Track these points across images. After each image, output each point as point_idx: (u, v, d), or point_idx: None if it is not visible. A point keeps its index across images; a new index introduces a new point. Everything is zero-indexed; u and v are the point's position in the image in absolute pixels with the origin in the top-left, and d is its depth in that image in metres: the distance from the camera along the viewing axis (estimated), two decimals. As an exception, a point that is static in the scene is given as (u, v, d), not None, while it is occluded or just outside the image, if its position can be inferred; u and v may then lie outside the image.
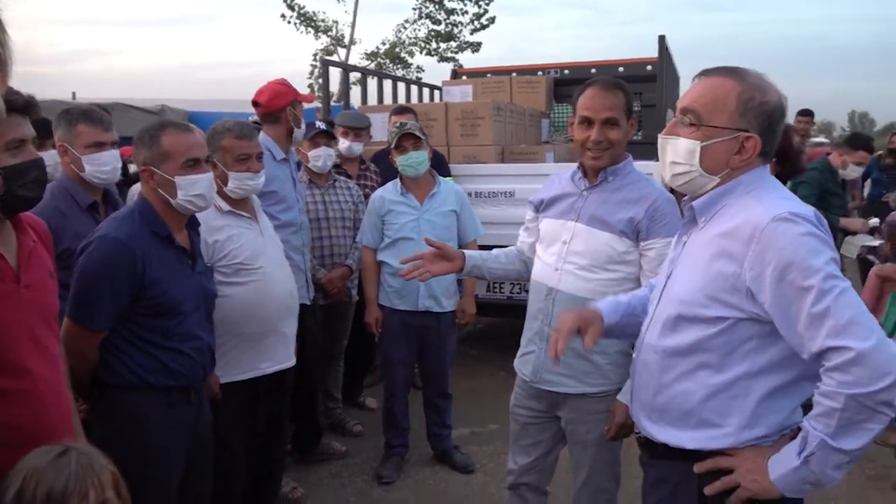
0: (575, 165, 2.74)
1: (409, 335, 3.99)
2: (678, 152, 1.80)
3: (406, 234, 3.88)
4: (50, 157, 2.86)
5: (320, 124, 4.39)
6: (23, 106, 1.85)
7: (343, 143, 4.76)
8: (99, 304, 2.32)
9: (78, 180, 2.87)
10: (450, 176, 5.02)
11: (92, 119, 2.89)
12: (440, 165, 4.90)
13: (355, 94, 8.85)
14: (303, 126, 3.90)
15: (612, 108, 2.53)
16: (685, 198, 1.90)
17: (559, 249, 2.64)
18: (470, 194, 5.37)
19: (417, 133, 3.91)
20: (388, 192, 4.00)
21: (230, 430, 2.99)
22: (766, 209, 1.65)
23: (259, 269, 3.04)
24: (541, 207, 2.80)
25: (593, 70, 7.42)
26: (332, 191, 4.41)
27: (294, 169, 3.91)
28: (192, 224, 2.64)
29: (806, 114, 8.33)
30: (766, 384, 1.68)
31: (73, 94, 11.53)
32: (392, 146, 3.93)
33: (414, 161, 3.88)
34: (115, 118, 6.96)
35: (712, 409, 1.73)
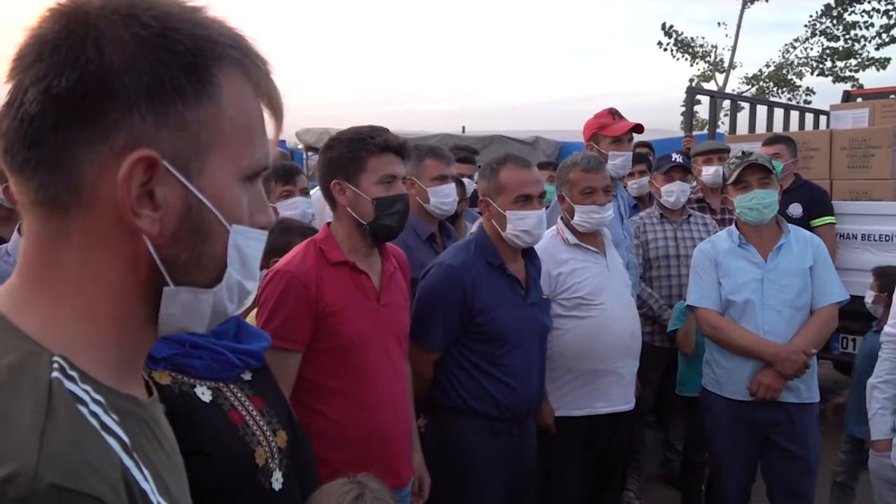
0: None
1: (745, 432, 3.05)
2: None
3: (747, 296, 3.02)
4: None
5: (676, 157, 4.15)
6: (397, 147, 2.12)
7: (707, 171, 4.39)
8: (433, 325, 2.49)
9: (419, 213, 3.07)
10: (831, 215, 4.37)
11: (437, 154, 3.15)
12: (820, 202, 4.31)
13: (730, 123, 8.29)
14: (613, 161, 3.57)
15: None
16: None
17: None
18: (855, 236, 4.67)
19: (767, 165, 3.09)
20: (722, 241, 3.19)
21: (560, 467, 2.96)
22: None
23: (600, 304, 2.95)
24: None
25: None
26: (686, 226, 4.11)
27: (623, 205, 3.72)
28: (530, 255, 2.68)
29: None
30: None
31: (463, 127, 12.62)
32: (729, 181, 3.12)
33: (759, 203, 3.02)
34: (495, 149, 7.56)
35: None
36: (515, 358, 2.55)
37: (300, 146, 8.86)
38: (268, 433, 1.48)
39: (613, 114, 3.74)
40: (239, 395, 1.49)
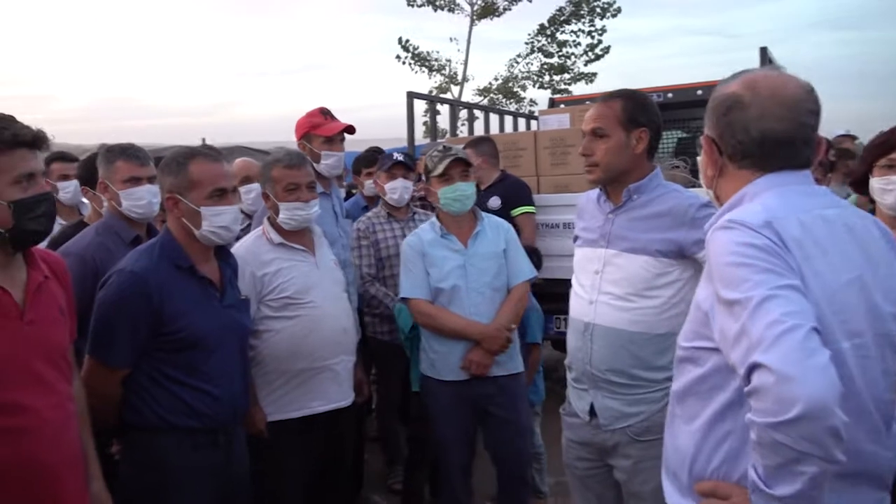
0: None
1: (464, 410, 3.22)
2: None
3: (453, 281, 3.18)
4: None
5: (397, 155, 4.22)
6: (31, 140, 1.86)
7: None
8: (116, 340, 2.27)
9: (120, 216, 2.85)
10: (531, 205, 4.76)
11: (129, 155, 2.88)
12: (518, 195, 4.66)
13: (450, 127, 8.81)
14: (326, 161, 3.57)
15: (599, 119, 2.35)
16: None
17: (591, 280, 2.40)
18: (558, 225, 5.14)
19: (467, 159, 3.30)
20: (426, 233, 3.32)
21: (281, 473, 2.88)
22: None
23: (309, 303, 2.92)
24: (577, 239, 2.56)
25: (699, 92, 6.95)
26: (412, 224, 4.16)
27: (337, 203, 3.73)
28: (223, 254, 2.57)
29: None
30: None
31: (203, 140, 12.16)
32: (435, 173, 3.25)
33: (462, 193, 3.21)
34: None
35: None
36: (215, 364, 2.40)
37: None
38: None
39: (325, 113, 3.69)
40: None
